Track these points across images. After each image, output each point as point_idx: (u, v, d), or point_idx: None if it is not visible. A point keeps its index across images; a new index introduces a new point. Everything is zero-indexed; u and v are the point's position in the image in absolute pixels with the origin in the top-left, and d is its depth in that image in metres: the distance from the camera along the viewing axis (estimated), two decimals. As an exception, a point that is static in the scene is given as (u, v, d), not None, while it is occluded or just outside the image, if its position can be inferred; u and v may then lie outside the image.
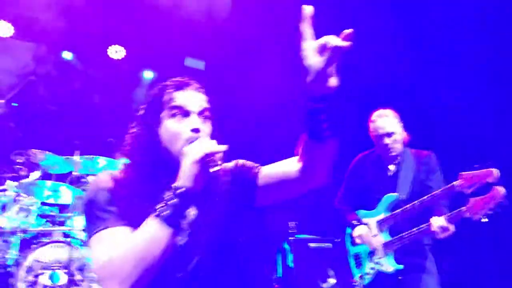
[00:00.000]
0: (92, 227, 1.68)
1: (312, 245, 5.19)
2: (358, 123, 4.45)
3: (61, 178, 5.65)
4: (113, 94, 6.92)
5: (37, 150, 5.27)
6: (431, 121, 5.88)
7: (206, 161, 1.62)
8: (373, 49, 6.06)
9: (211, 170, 1.62)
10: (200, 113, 1.81)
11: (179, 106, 1.78)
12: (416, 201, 3.41)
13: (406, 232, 3.46)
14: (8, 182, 5.18)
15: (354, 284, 4.78)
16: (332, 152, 1.73)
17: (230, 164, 1.98)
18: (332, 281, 5.09)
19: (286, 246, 5.28)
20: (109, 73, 7.30)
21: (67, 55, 7.19)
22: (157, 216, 1.58)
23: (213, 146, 1.65)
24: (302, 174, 1.80)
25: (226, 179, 1.92)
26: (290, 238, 5.24)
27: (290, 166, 1.85)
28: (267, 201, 1.92)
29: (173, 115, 1.77)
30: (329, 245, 5.20)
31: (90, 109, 6.64)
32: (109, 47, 7.31)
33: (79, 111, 6.63)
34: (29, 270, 4.62)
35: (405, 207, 3.47)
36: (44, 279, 4.59)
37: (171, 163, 1.73)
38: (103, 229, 1.66)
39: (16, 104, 5.58)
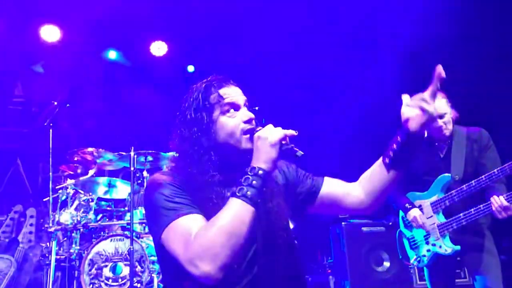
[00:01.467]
0: (164, 219, 1.71)
1: (364, 229, 5.19)
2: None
3: (115, 174, 5.85)
4: (159, 90, 7.07)
5: (91, 148, 5.45)
6: (478, 96, 5.72)
7: (282, 144, 1.74)
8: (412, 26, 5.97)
9: (296, 153, 1.74)
10: (245, 105, 1.94)
11: (230, 103, 1.88)
12: (472, 181, 3.36)
13: (463, 213, 3.42)
14: (67, 180, 5.41)
15: (410, 266, 4.76)
16: (396, 184, 1.95)
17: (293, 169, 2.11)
18: (387, 264, 5.08)
19: (339, 231, 5.31)
20: (153, 69, 7.45)
21: (112, 54, 7.39)
22: (242, 196, 1.66)
23: (286, 130, 1.76)
24: (365, 197, 1.99)
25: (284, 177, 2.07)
26: (342, 223, 5.26)
27: (352, 189, 2.03)
28: (318, 211, 2.10)
29: (226, 111, 1.88)
30: (382, 228, 5.19)
31: (140, 106, 6.80)
32: (152, 44, 7.46)
33: (129, 109, 6.81)
34: (92, 263, 4.82)
35: (461, 187, 3.42)
36: (106, 271, 4.79)
37: (232, 156, 1.86)
38: (178, 217, 1.70)
39: (68, 105, 5.77)
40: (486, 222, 3.51)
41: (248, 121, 1.86)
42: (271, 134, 1.74)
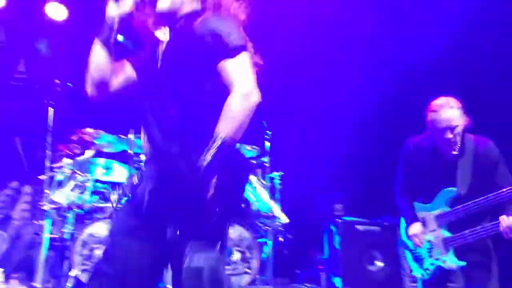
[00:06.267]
0: None
1: (359, 227, 5.18)
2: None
3: (114, 156, 5.80)
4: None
5: (91, 129, 5.42)
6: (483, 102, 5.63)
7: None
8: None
9: None
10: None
11: None
12: (481, 198, 3.22)
13: (470, 230, 3.29)
14: (64, 159, 5.38)
15: (414, 278, 4.66)
16: None
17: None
18: (379, 264, 5.07)
19: (333, 228, 5.28)
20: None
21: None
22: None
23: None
24: None
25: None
26: (337, 220, 5.24)
27: None
28: None
29: None
30: (377, 228, 5.17)
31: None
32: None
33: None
34: (85, 244, 4.80)
35: (468, 204, 3.30)
36: (98, 253, 4.77)
37: None
38: None
39: (70, 85, 5.73)
40: (493, 242, 3.41)
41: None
42: None
